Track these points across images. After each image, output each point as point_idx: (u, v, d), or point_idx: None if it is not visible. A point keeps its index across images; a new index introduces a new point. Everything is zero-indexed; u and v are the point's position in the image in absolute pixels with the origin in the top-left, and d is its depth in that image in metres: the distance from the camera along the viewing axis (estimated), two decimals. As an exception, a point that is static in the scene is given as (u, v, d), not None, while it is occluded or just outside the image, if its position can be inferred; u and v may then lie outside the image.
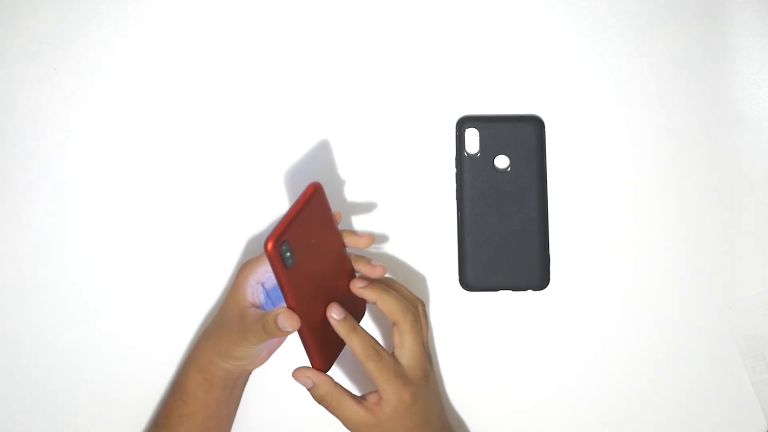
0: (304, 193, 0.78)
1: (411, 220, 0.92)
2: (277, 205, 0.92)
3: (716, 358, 0.92)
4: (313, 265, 0.80)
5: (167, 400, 0.88)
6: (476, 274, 0.91)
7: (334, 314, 0.80)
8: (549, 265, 0.91)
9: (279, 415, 0.93)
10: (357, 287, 0.83)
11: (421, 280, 0.92)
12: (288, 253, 0.77)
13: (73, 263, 0.93)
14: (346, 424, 0.82)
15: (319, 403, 0.82)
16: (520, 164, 0.91)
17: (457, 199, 0.91)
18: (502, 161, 0.91)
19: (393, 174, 0.92)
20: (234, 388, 0.87)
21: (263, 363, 0.88)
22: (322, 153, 0.93)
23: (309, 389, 0.82)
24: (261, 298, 0.84)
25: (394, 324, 0.82)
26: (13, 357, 0.93)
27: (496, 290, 0.91)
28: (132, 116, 0.93)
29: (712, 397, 0.92)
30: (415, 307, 0.84)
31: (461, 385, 0.92)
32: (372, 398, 0.82)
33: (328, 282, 0.82)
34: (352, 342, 0.80)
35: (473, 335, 0.92)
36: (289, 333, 0.79)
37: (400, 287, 0.85)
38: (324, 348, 0.82)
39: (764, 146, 0.92)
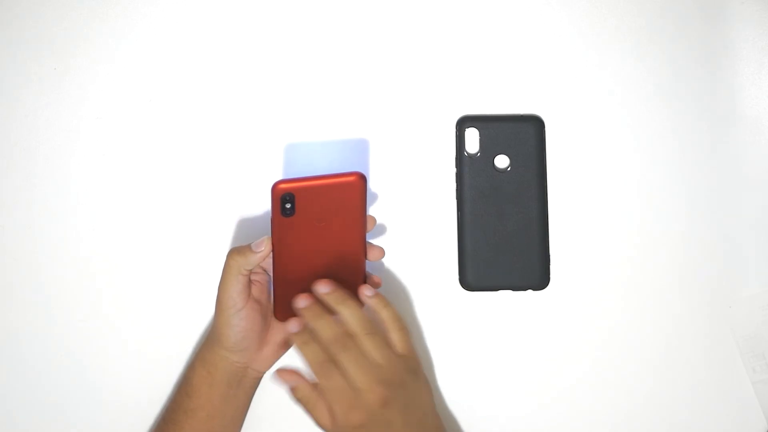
0: (343, 174, 0.81)
1: (411, 220, 0.92)
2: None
3: (716, 358, 0.92)
4: (313, 237, 0.82)
5: (174, 394, 0.89)
6: (476, 274, 0.91)
7: (321, 287, 0.82)
8: (549, 265, 0.91)
9: (289, 425, 0.93)
10: (364, 294, 0.84)
11: (421, 280, 0.92)
12: (288, 205, 0.81)
13: (71, 262, 0.93)
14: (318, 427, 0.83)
15: (296, 403, 0.83)
16: (520, 164, 0.91)
17: (457, 198, 0.91)
18: (502, 161, 0.91)
19: (393, 174, 0.92)
20: (239, 388, 0.87)
21: (267, 365, 0.88)
22: (321, 153, 0.93)
23: (290, 389, 0.83)
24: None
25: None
26: (17, 355, 0.93)
27: (496, 290, 0.91)
28: (132, 116, 0.93)
29: (712, 397, 0.92)
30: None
31: (461, 385, 0.92)
32: None
33: (327, 265, 0.83)
34: (305, 351, 0.82)
35: (473, 335, 0.92)
36: (259, 256, 0.82)
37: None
38: (288, 305, 0.85)
39: (764, 146, 0.92)
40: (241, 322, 0.85)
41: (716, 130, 0.92)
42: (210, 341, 0.86)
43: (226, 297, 0.84)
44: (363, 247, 0.84)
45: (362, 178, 0.81)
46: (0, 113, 0.93)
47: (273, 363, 0.88)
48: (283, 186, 0.81)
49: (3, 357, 0.93)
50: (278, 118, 0.93)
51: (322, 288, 0.83)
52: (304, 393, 0.82)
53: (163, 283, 0.92)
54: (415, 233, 0.92)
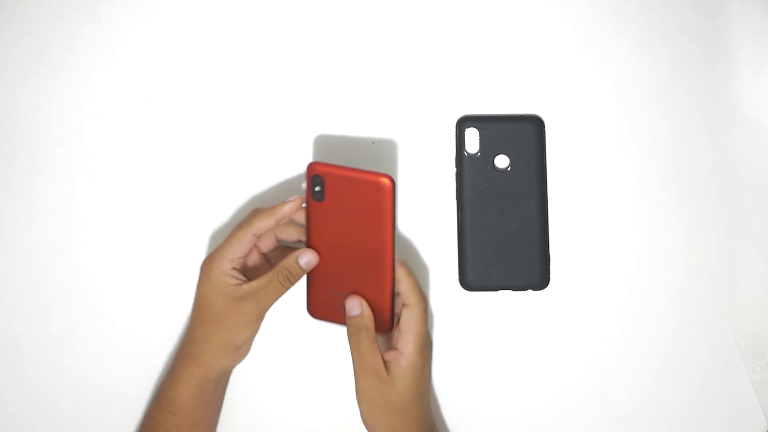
0: (372, 172, 0.80)
1: (411, 219, 0.92)
2: (274, 202, 0.92)
3: (716, 358, 0.92)
4: (341, 229, 0.82)
5: (154, 415, 0.86)
6: (476, 274, 0.91)
7: (401, 269, 0.83)
8: (549, 265, 0.91)
9: (266, 423, 0.93)
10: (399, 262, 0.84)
11: (421, 279, 0.92)
12: (318, 188, 0.81)
13: (72, 262, 0.93)
14: (359, 371, 0.82)
15: (351, 335, 0.82)
16: (520, 164, 0.91)
17: (457, 198, 0.91)
18: (502, 161, 0.91)
19: (393, 174, 0.92)
20: (220, 388, 0.88)
21: (245, 356, 0.89)
22: (321, 153, 0.93)
23: (352, 316, 0.83)
24: (241, 276, 0.85)
25: (406, 306, 0.83)
26: (17, 355, 0.93)
27: (496, 290, 0.91)
28: (132, 116, 0.93)
29: (712, 397, 0.92)
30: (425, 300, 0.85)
31: (461, 385, 0.92)
32: (388, 356, 0.83)
33: (353, 264, 0.83)
34: (417, 289, 0.83)
35: (473, 335, 0.92)
36: (308, 270, 0.83)
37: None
38: (321, 302, 0.85)
39: (764, 146, 0.92)
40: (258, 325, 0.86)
41: (716, 130, 0.92)
42: (205, 355, 0.85)
43: (267, 304, 0.84)
44: (390, 252, 0.82)
45: (388, 182, 0.80)
46: (0, 113, 0.93)
47: (247, 353, 0.89)
48: (314, 167, 0.82)
49: (3, 357, 0.93)
50: (277, 118, 0.93)
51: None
52: (368, 324, 0.82)
53: (164, 283, 0.92)
54: (415, 233, 0.92)
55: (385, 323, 0.84)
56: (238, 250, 0.84)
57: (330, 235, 0.83)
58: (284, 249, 0.88)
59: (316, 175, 0.81)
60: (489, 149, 0.91)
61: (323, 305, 0.86)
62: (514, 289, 0.91)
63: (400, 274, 0.83)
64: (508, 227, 0.91)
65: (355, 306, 0.82)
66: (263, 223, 0.84)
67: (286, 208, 0.84)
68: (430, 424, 0.85)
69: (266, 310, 0.85)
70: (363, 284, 0.83)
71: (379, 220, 0.81)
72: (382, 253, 0.82)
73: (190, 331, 0.86)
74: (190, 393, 0.85)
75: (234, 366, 0.88)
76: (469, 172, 0.91)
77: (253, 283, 0.83)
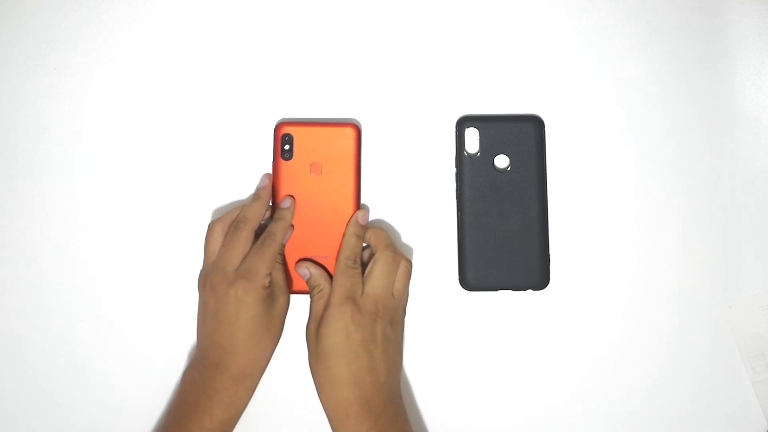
0: (337, 123, 0.87)
1: (411, 219, 0.92)
2: (277, 205, 0.92)
3: (716, 358, 0.92)
4: (309, 188, 0.87)
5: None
6: (476, 274, 0.91)
7: (360, 218, 0.88)
8: (549, 265, 0.91)
9: (276, 419, 0.93)
10: (358, 213, 0.88)
11: (421, 279, 0.92)
12: (287, 146, 0.87)
13: (72, 262, 0.93)
14: (308, 318, 0.87)
15: (310, 291, 0.88)
16: (520, 164, 0.91)
17: (457, 198, 0.91)
18: (502, 161, 0.91)
19: (393, 173, 0.92)
20: None
21: None
22: (322, 153, 0.93)
23: (306, 281, 0.88)
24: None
25: (373, 254, 0.88)
26: (17, 355, 0.93)
27: (496, 290, 0.91)
28: (132, 116, 0.93)
29: (712, 397, 0.92)
30: (400, 257, 0.87)
31: (460, 385, 0.92)
32: None
33: (322, 223, 0.88)
34: (347, 240, 0.87)
35: (473, 335, 0.92)
36: (290, 215, 0.88)
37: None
38: (291, 274, 0.89)
39: (764, 146, 0.92)
40: None
41: (716, 130, 0.92)
42: (263, 366, 0.87)
43: (285, 287, 0.88)
44: (354, 205, 0.88)
45: (354, 128, 0.87)
46: (0, 113, 0.93)
47: None
48: (283, 126, 0.87)
49: (3, 357, 0.93)
50: (276, 116, 0.93)
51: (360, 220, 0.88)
52: (320, 282, 0.87)
53: (164, 283, 0.92)
54: (415, 233, 0.92)
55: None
56: (272, 265, 0.86)
57: (298, 196, 0.87)
58: None
59: (286, 133, 0.87)
60: (489, 149, 0.91)
61: (294, 276, 0.89)
62: (514, 289, 0.91)
63: (348, 228, 0.88)
64: (508, 227, 0.91)
65: (305, 271, 0.88)
66: (286, 232, 0.88)
67: (288, 203, 0.87)
68: (367, 394, 0.84)
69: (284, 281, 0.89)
70: (331, 245, 0.88)
71: (345, 171, 0.87)
72: (346, 207, 0.88)
73: (246, 352, 0.85)
74: (245, 406, 0.87)
75: None
76: (469, 172, 0.91)
77: (272, 279, 0.86)
